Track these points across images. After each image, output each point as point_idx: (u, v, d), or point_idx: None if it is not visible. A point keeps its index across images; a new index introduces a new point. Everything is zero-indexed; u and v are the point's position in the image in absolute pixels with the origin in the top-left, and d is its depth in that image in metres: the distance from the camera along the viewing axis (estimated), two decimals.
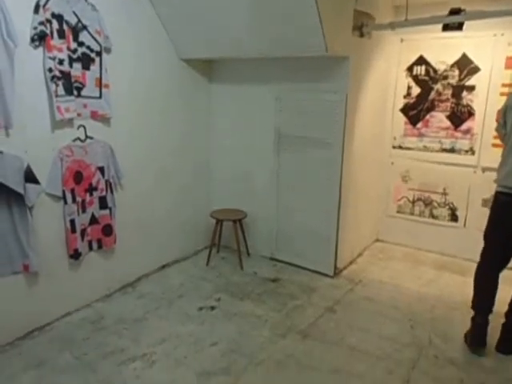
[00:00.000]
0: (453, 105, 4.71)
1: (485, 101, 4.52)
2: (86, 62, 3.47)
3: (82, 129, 3.54)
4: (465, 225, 4.83)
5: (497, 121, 3.37)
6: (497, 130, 3.37)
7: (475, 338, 3.22)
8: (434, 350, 3.25)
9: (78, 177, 3.55)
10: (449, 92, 4.71)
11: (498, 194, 3.16)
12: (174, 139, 4.53)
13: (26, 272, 3.29)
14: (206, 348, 3.25)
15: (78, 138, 3.53)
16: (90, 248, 3.77)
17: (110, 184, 3.82)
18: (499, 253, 3.23)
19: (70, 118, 3.42)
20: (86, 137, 3.58)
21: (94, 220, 3.74)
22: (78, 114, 3.48)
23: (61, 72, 3.25)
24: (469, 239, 4.75)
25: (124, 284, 4.16)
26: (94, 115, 3.63)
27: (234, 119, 4.83)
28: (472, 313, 3.31)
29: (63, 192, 3.45)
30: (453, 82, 4.66)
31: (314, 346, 3.30)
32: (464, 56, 4.55)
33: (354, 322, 3.62)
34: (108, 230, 3.85)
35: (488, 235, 3.28)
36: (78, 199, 3.57)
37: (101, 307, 3.81)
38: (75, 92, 3.42)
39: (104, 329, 3.49)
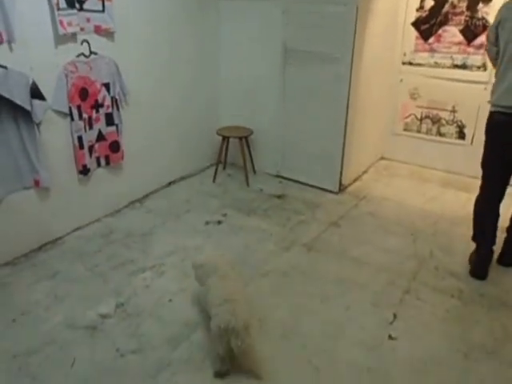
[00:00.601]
0: (467, 18, 4.54)
1: None
2: None
3: (85, 44, 3.47)
4: (472, 142, 4.81)
5: (487, 39, 3.12)
6: (487, 50, 3.16)
7: (477, 269, 3.20)
8: (435, 262, 3.37)
9: (83, 93, 3.53)
10: (464, 4, 4.52)
11: (494, 115, 2.99)
12: (181, 55, 4.44)
13: (37, 187, 3.37)
14: None
15: (82, 54, 3.47)
16: (98, 164, 3.83)
17: (116, 100, 3.80)
18: (499, 181, 3.12)
19: (73, 33, 3.34)
20: (90, 52, 3.52)
21: (101, 137, 3.77)
22: (81, 29, 3.40)
23: None
24: (475, 157, 4.62)
25: (132, 200, 4.26)
26: (98, 30, 3.54)
27: (241, 35, 4.70)
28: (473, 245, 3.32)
29: (69, 109, 3.45)
30: None
31: (318, 257, 3.43)
32: None
33: (358, 236, 3.73)
34: (115, 147, 3.89)
35: (486, 162, 3.17)
36: (85, 116, 3.58)
37: (110, 222, 3.92)
38: (77, 5, 3.31)
39: (114, 242, 3.62)
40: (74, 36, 3.38)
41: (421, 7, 4.78)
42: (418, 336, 2.65)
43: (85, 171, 3.67)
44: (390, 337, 2.63)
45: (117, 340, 2.58)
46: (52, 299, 2.92)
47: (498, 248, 3.31)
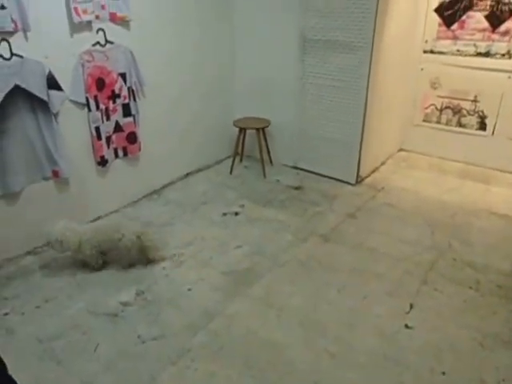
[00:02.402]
0: (493, 3, 4.51)
1: None
2: None
3: (101, 33, 3.56)
4: (493, 133, 4.85)
5: None
6: None
7: None
8: (453, 253, 3.46)
9: (100, 83, 3.65)
10: None
11: None
12: (197, 45, 4.53)
13: (56, 178, 3.51)
14: (231, 250, 3.51)
15: (98, 43, 3.57)
16: (116, 155, 3.97)
17: (133, 91, 3.91)
18: None
19: (88, 21, 3.43)
20: (106, 41, 3.62)
21: (118, 128, 3.89)
22: (97, 16, 3.48)
23: None
24: (496, 148, 4.82)
25: (150, 191, 4.40)
26: (113, 17, 3.62)
27: (258, 24, 4.76)
28: None
29: (86, 99, 3.58)
30: None
31: (335, 248, 3.54)
32: None
33: (375, 227, 3.83)
34: (132, 138, 4.02)
35: None
36: (102, 107, 3.71)
37: (129, 212, 4.07)
38: None
39: None
40: (89, 24, 3.47)
41: None
42: (434, 326, 2.75)
43: (103, 162, 3.82)
44: (406, 326, 2.74)
45: (138, 327, 2.73)
46: (74, 287, 3.09)
47: None
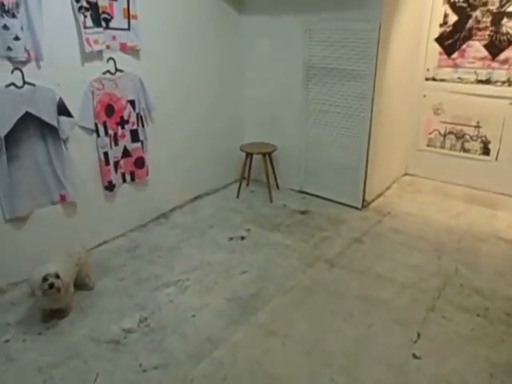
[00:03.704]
0: (491, 33, 4.46)
1: None
2: None
3: (111, 61, 3.53)
4: (497, 158, 4.71)
5: None
6: None
7: None
8: (460, 279, 3.28)
9: (109, 110, 3.58)
10: (488, 19, 4.45)
11: None
12: (203, 72, 4.47)
13: (63, 202, 3.41)
14: (237, 275, 3.36)
15: (108, 71, 3.52)
16: (124, 180, 3.86)
17: (141, 117, 3.84)
18: None
19: (99, 51, 3.40)
20: (116, 70, 3.57)
21: (126, 153, 3.80)
22: (107, 47, 3.46)
23: (88, 2, 3.21)
24: (500, 173, 4.68)
25: (157, 215, 4.28)
26: (124, 47, 3.59)
27: (264, 52, 4.71)
28: None
29: (95, 125, 3.50)
30: (493, 8, 4.39)
31: (342, 274, 3.37)
32: None
33: (382, 252, 3.66)
34: (140, 163, 3.91)
35: None
36: (110, 132, 3.62)
37: (136, 236, 3.95)
38: (103, 23, 3.38)
39: (139, 257, 3.63)
40: (100, 53, 3.44)
41: (444, 23, 4.73)
42: (442, 355, 2.57)
43: (110, 187, 3.71)
44: (414, 356, 2.56)
45: (140, 355, 2.57)
46: (78, 312, 2.95)
47: None
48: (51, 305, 2.81)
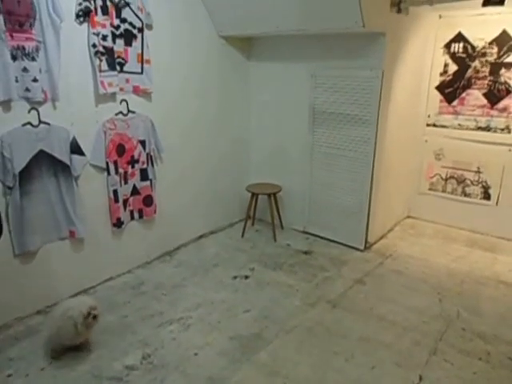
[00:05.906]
0: (490, 82, 4.54)
1: None
2: (128, 38, 3.50)
3: (124, 103, 3.60)
4: (497, 203, 4.71)
5: None
6: None
7: None
8: (462, 323, 3.23)
9: (120, 149, 3.63)
10: (486, 69, 4.54)
11: None
12: (212, 114, 4.55)
13: (72, 238, 3.41)
14: (239, 314, 3.32)
15: (121, 112, 3.59)
16: (132, 217, 3.87)
17: (151, 157, 3.88)
18: None
19: (112, 93, 3.48)
20: (128, 111, 3.64)
21: (135, 191, 3.82)
22: (121, 89, 3.54)
23: (104, 48, 3.30)
24: (501, 217, 4.67)
25: (163, 252, 4.27)
26: (136, 90, 3.67)
27: (271, 96, 4.80)
28: None
29: (107, 164, 3.54)
30: (491, 59, 4.49)
31: (343, 315, 3.32)
32: (504, 32, 4.35)
33: (383, 294, 3.62)
34: (149, 201, 3.93)
35: None
36: (121, 171, 3.66)
37: (141, 273, 3.93)
38: (118, 67, 3.47)
39: (144, 293, 3.60)
40: (113, 95, 3.52)
41: (444, 72, 4.82)
42: None
43: (119, 224, 3.72)
44: None
45: None
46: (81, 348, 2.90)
47: None
48: (78, 339, 2.79)
